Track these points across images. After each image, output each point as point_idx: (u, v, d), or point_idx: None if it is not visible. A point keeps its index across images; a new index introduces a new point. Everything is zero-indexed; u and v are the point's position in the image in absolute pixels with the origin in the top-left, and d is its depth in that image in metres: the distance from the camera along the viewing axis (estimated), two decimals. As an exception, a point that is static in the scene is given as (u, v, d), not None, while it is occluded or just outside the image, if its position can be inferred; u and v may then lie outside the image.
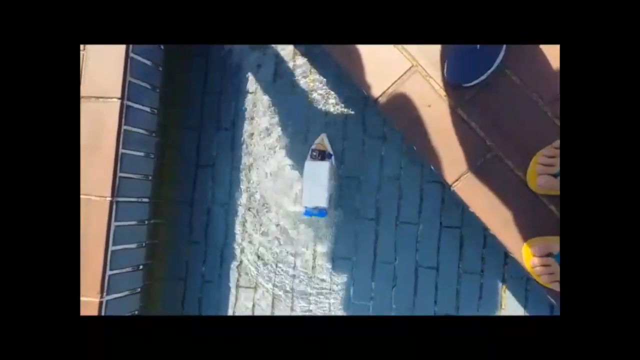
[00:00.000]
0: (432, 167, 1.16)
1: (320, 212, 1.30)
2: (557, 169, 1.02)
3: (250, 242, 1.47)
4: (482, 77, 1.09)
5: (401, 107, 1.17)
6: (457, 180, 1.13)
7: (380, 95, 1.18)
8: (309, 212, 1.31)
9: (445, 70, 1.13)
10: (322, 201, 1.27)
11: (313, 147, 1.29)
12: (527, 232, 1.07)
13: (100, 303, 1.20)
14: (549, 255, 1.03)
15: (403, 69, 1.17)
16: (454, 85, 1.12)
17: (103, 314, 1.21)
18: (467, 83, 1.10)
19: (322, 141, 1.31)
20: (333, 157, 1.29)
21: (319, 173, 1.27)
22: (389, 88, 1.17)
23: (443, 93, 1.15)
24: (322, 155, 1.27)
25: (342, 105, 1.42)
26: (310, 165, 1.29)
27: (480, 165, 1.11)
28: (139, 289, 1.36)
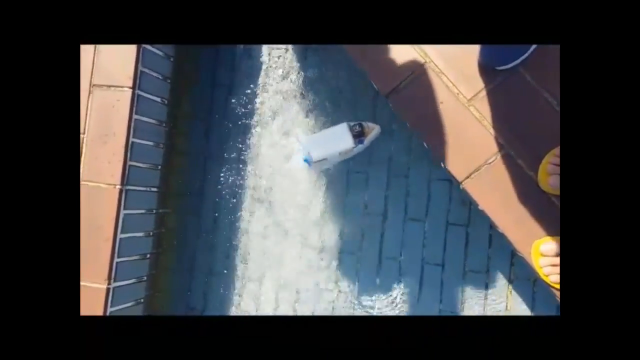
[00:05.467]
0: (441, 164, 1.16)
1: (307, 160, 1.27)
2: (568, 169, 1.02)
3: (258, 234, 1.47)
4: (517, 61, 1.09)
5: (412, 103, 1.17)
6: (467, 177, 1.12)
7: (392, 91, 1.18)
8: (306, 159, 1.29)
9: (479, 51, 1.12)
10: (316, 154, 1.24)
11: (363, 123, 1.25)
12: (537, 231, 1.07)
13: (107, 290, 1.21)
14: (558, 255, 1.03)
15: (415, 65, 1.17)
16: (487, 67, 1.12)
17: (109, 300, 1.22)
18: (501, 66, 1.10)
19: (372, 129, 1.27)
20: (361, 146, 1.25)
21: (340, 140, 1.23)
22: (400, 84, 1.17)
23: (455, 90, 1.14)
24: (359, 135, 1.23)
25: (352, 100, 1.42)
26: (343, 129, 1.24)
27: (491, 163, 1.11)
28: (146, 277, 1.36)
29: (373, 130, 1.27)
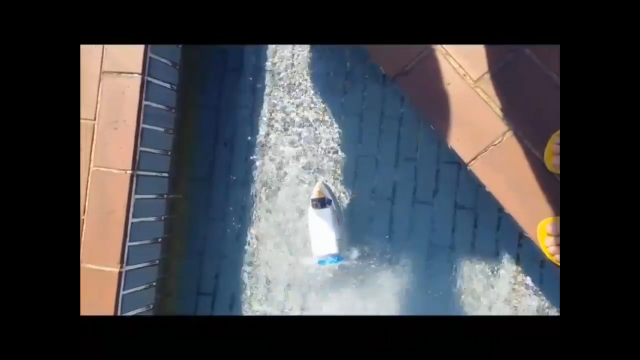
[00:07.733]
0: (448, 146, 1.16)
1: (334, 258, 1.30)
2: (575, 148, 1.01)
3: (266, 218, 1.48)
4: None
5: (419, 85, 1.17)
6: (473, 159, 1.12)
7: (399, 73, 1.18)
8: (322, 261, 1.31)
9: None
10: (332, 248, 1.27)
11: (312, 197, 1.29)
12: (543, 211, 1.07)
13: (120, 273, 1.23)
14: (564, 235, 1.03)
15: (422, 47, 1.16)
16: None
17: (122, 284, 1.24)
18: None
19: (320, 189, 1.31)
20: (333, 202, 1.30)
21: (323, 221, 1.28)
22: (407, 66, 1.17)
23: (462, 71, 1.14)
24: (323, 203, 1.27)
25: (360, 83, 1.42)
26: (313, 214, 1.29)
27: (498, 144, 1.11)
28: (158, 261, 1.39)
29: (320, 188, 1.32)
